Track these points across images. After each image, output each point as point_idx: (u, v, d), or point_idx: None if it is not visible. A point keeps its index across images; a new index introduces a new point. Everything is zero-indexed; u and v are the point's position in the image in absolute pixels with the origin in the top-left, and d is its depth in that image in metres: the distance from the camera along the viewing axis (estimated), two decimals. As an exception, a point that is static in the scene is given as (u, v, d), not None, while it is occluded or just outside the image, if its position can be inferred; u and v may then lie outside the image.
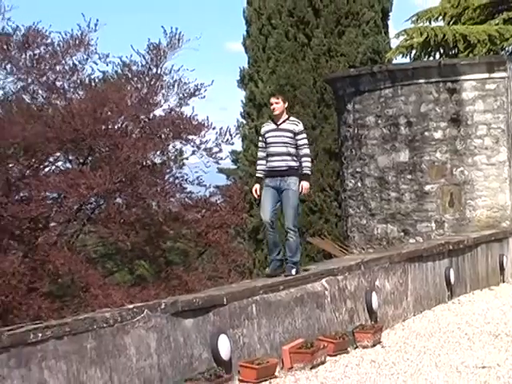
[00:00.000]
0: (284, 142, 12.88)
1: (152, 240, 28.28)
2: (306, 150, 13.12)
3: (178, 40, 28.78)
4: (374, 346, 13.66)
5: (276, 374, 11.77)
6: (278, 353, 12.38)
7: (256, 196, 13.34)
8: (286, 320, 12.98)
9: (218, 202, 31.92)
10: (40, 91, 27.83)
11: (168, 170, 29.10)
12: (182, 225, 28.92)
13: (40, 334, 8.89)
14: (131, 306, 10.70)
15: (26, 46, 27.39)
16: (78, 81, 28.35)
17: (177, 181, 29.10)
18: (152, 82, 28.71)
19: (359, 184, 22.61)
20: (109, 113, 27.26)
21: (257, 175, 13.32)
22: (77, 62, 28.17)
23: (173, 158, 29.03)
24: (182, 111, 28.82)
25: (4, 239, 25.56)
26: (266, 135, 13.12)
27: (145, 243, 28.19)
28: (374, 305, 15.04)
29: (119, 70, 29.36)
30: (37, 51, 27.47)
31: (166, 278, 27.98)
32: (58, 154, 27.56)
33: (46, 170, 27.74)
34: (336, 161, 24.13)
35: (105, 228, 28.33)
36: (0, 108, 28.32)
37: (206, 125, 28.79)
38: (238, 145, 31.06)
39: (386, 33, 26.07)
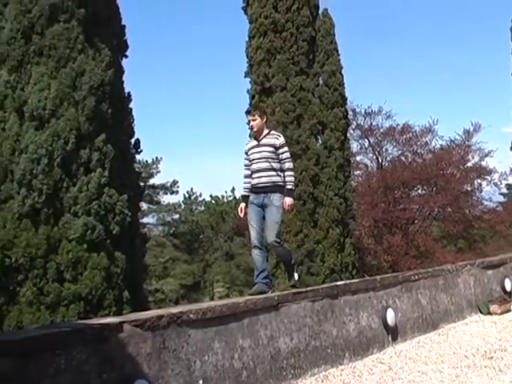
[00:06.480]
0: (265, 157, 7.27)
1: (466, 230, 27.81)
2: (289, 164, 7.34)
3: (478, 127, 28.20)
4: None
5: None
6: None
7: (241, 216, 7.46)
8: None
9: (500, 209, 30.69)
10: (409, 155, 28.06)
11: (474, 194, 28.47)
12: (482, 222, 28.14)
13: (416, 276, 9.17)
14: (461, 263, 10.87)
15: (402, 132, 27.79)
16: (428, 149, 28.34)
17: (479, 199, 28.48)
18: (465, 149, 28.22)
19: None
20: (443, 165, 27.13)
21: (242, 193, 7.65)
22: (428, 140, 28.19)
23: (477, 187, 28.34)
24: (481, 163, 28.14)
25: (392, 228, 26.13)
26: (249, 152, 7.43)
27: (462, 231, 27.77)
28: None
29: (448, 143, 29.08)
30: (408, 135, 27.78)
31: (473, 249, 27.43)
32: (418, 186, 27.71)
33: (413, 194, 27.94)
34: None
35: (442, 223, 28.25)
36: (388, 164, 28.99)
37: (492, 170, 28.10)
38: (510, 179, 29.90)
39: None
